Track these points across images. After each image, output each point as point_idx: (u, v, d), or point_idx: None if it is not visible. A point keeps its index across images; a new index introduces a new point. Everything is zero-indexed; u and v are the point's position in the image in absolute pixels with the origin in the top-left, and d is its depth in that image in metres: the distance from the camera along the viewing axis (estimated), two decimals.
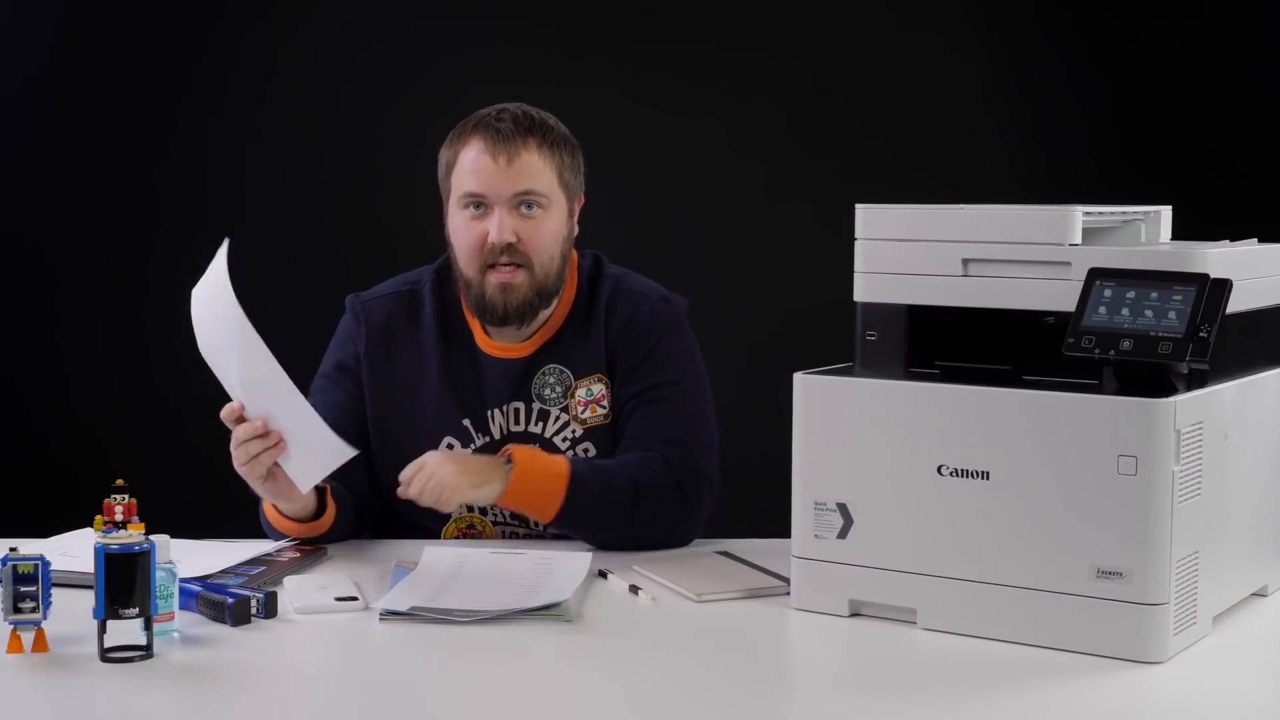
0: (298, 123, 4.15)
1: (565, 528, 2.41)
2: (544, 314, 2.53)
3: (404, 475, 2.35)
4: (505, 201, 2.43)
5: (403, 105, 4.07)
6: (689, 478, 2.44)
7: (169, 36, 4.13)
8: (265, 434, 2.23)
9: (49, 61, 4.10)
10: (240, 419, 2.23)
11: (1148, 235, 2.18)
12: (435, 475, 2.32)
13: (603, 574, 2.25)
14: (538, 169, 2.45)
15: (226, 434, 2.24)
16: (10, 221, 4.12)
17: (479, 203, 2.45)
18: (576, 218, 2.55)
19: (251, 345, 2.17)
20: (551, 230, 2.47)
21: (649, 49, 4.16)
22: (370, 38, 4.14)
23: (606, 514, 2.37)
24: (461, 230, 2.47)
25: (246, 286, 4.30)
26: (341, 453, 2.24)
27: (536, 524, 2.44)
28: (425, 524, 2.51)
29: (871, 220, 2.11)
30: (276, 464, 2.25)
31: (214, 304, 2.19)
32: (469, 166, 2.45)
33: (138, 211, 4.15)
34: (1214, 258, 1.93)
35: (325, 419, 2.50)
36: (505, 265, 2.45)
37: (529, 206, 2.45)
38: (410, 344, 2.55)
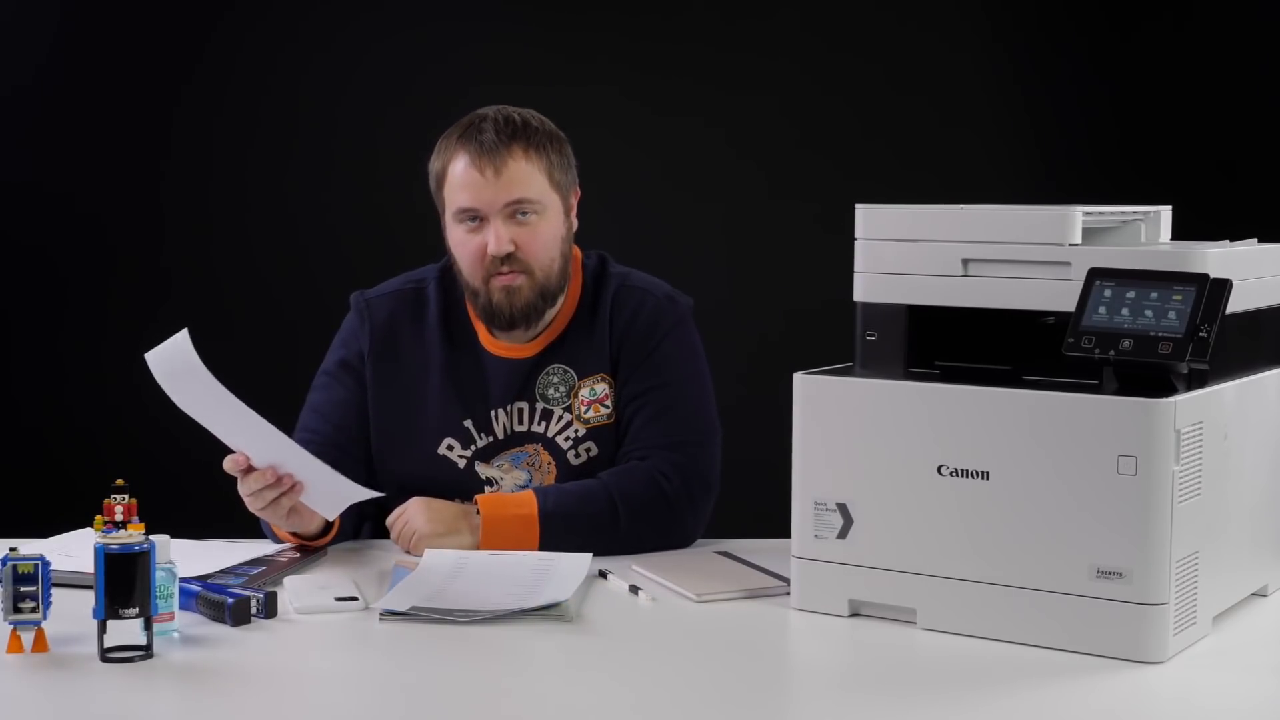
0: (301, 121, 4.15)
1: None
2: (549, 314, 2.53)
3: (389, 520, 2.42)
4: (499, 212, 2.43)
5: (406, 103, 4.07)
6: (685, 482, 2.44)
7: (171, 37, 4.13)
8: (278, 480, 2.23)
9: (51, 62, 4.10)
10: (248, 468, 2.23)
11: (1148, 235, 2.18)
12: (410, 523, 2.37)
13: (603, 574, 2.25)
14: (526, 176, 2.44)
15: None
16: (11, 222, 4.12)
17: (474, 215, 2.45)
18: (574, 212, 2.55)
19: (247, 418, 2.15)
20: (548, 233, 2.47)
21: (650, 50, 4.17)
22: (372, 37, 4.14)
23: (589, 535, 2.36)
24: (461, 243, 2.47)
25: (251, 286, 4.31)
26: (360, 494, 2.26)
27: None
28: None
29: (871, 220, 2.11)
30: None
31: (188, 381, 2.12)
32: (458, 181, 2.45)
33: (140, 213, 4.15)
34: (1214, 258, 1.93)
35: (327, 416, 2.52)
36: (507, 272, 2.45)
37: (523, 214, 2.44)
38: (414, 343, 2.55)
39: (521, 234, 2.45)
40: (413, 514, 2.39)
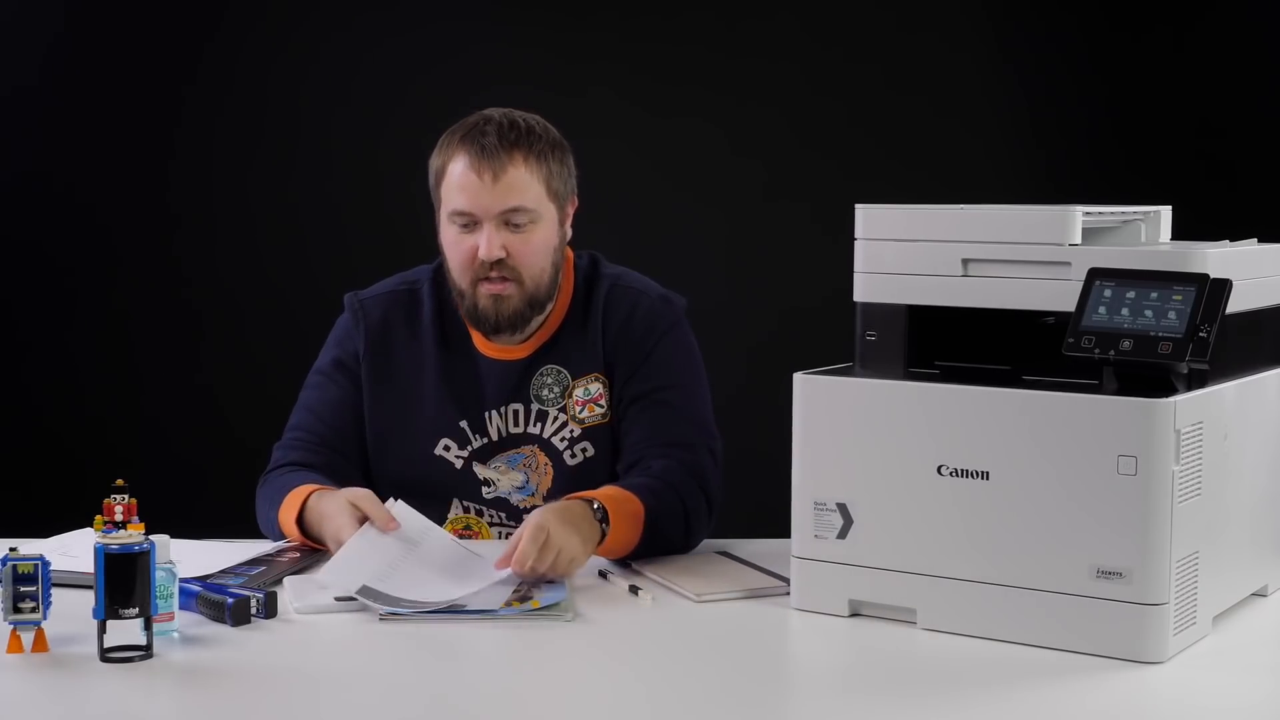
0: (302, 122, 4.15)
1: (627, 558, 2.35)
2: (539, 317, 2.52)
3: (521, 550, 2.13)
4: (493, 218, 2.42)
5: (407, 105, 4.06)
6: (704, 486, 2.43)
7: (175, 35, 4.13)
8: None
9: (55, 60, 4.10)
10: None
11: (1147, 235, 2.18)
12: (564, 550, 2.16)
13: (602, 574, 2.25)
14: (525, 184, 2.42)
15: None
16: (14, 221, 4.12)
17: (468, 219, 2.44)
18: (569, 222, 2.54)
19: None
20: (541, 242, 2.46)
21: (650, 51, 4.17)
22: (375, 37, 4.14)
23: (663, 540, 2.33)
24: (452, 244, 2.46)
25: (253, 285, 4.30)
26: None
27: None
28: None
29: (871, 220, 2.11)
30: None
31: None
32: (456, 182, 2.43)
33: (145, 212, 4.15)
34: (1214, 258, 1.93)
35: (320, 415, 2.53)
36: (496, 278, 2.44)
37: (517, 222, 2.43)
38: (408, 344, 2.55)
39: (514, 241, 2.43)
40: (564, 539, 2.16)
